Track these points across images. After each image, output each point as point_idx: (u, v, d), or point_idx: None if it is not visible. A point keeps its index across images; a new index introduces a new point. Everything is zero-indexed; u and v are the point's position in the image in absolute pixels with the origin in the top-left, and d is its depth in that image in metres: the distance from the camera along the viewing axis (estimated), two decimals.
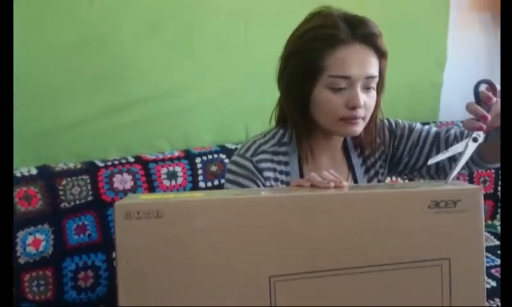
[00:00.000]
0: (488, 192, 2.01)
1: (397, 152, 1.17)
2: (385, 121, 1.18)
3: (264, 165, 1.08)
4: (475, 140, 0.87)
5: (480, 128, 0.88)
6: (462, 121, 2.09)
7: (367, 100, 1.03)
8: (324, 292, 0.75)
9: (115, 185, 1.57)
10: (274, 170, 1.09)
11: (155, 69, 1.75)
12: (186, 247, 0.73)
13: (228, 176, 1.09)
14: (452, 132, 1.13)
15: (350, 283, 0.74)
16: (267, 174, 1.07)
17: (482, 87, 0.91)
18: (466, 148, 0.87)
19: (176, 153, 1.73)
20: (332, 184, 0.82)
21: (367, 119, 1.06)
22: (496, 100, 0.89)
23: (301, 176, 1.10)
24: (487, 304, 1.42)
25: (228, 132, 1.90)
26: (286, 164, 1.10)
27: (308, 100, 1.04)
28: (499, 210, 2.01)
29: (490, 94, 0.89)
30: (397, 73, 2.06)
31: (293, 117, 1.09)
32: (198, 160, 1.72)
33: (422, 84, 2.18)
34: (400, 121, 1.19)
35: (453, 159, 1.07)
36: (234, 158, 1.11)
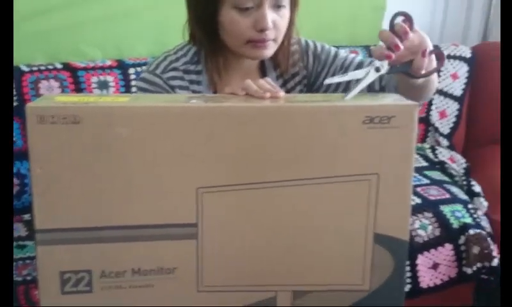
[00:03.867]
0: (420, 116, 2.03)
1: (319, 77, 1.11)
2: (310, 43, 1.12)
3: (174, 82, 1.01)
4: (377, 70, 0.82)
5: (388, 57, 0.82)
6: None
7: (277, 19, 0.96)
8: (252, 205, 0.74)
9: (41, 91, 1.50)
10: (187, 88, 1.03)
11: None
12: (106, 156, 0.69)
13: (139, 94, 1.03)
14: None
15: (279, 196, 0.73)
16: (179, 91, 1.01)
17: (399, 20, 0.85)
18: (367, 76, 0.82)
19: (108, 62, 1.65)
20: (268, 94, 0.78)
21: (279, 40, 0.99)
22: (411, 35, 0.84)
23: None
24: (411, 220, 1.49)
25: (165, 44, 1.81)
26: (198, 83, 1.03)
27: (214, 21, 0.97)
28: (429, 134, 2.07)
29: (407, 27, 0.83)
30: None
31: (199, 36, 1.02)
32: (131, 70, 1.66)
33: (363, 8, 2.14)
34: (326, 46, 1.12)
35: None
36: (143, 75, 1.03)
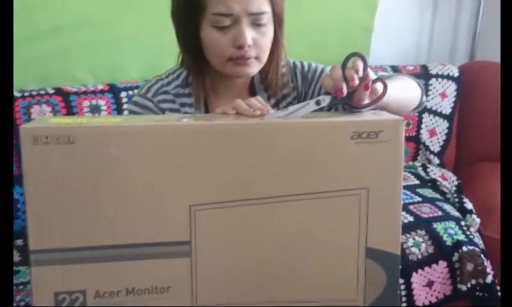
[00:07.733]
0: (410, 134, 2.08)
1: (307, 96, 1.12)
2: (298, 64, 1.13)
3: (165, 105, 1.03)
4: (317, 103, 0.81)
5: (339, 93, 0.80)
6: (391, 66, 2.13)
7: (257, 37, 0.96)
8: (245, 221, 0.74)
9: (33, 116, 1.50)
10: (178, 111, 1.04)
11: None
12: (99, 176, 0.69)
13: (131, 115, 1.03)
14: None
15: (271, 212, 0.74)
16: (169, 114, 1.02)
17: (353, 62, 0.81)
18: (306, 107, 0.81)
19: (100, 86, 1.66)
20: (258, 112, 0.79)
21: (262, 58, 1.00)
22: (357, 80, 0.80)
23: None
24: (402, 237, 1.50)
25: (157, 67, 1.82)
26: (190, 106, 1.05)
27: (197, 41, 0.98)
28: (420, 152, 2.09)
29: (355, 75, 0.79)
30: (326, 15, 2.08)
31: (185, 57, 1.04)
32: (123, 94, 1.67)
33: (352, 28, 2.17)
34: (313, 64, 1.14)
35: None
36: (135, 98, 1.05)
